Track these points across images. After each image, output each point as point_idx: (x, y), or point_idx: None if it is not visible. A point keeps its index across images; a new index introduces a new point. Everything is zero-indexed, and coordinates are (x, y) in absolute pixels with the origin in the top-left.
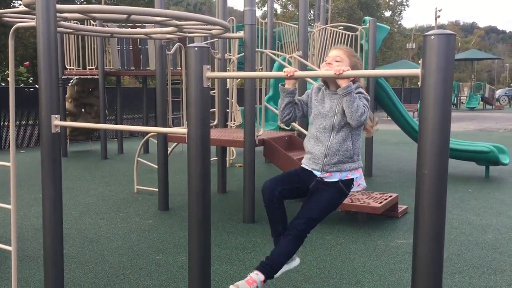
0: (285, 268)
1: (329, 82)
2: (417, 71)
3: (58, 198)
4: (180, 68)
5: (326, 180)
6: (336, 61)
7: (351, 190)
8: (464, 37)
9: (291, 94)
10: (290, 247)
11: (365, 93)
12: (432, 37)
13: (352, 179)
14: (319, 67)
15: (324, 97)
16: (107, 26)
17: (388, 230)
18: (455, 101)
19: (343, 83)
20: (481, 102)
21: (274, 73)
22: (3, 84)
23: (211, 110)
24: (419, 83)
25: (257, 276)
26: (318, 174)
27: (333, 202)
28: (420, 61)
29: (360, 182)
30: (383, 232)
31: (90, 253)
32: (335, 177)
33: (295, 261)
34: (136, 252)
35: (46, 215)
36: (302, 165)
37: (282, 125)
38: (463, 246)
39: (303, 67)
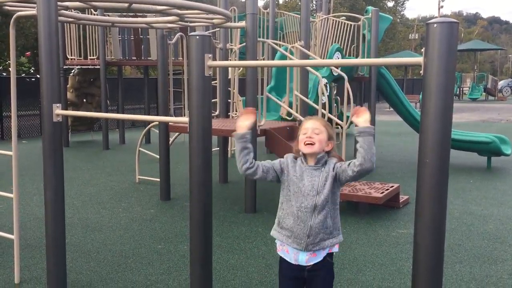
0: None
1: (308, 157)
2: (420, 59)
3: (60, 186)
4: (181, 58)
5: (314, 263)
6: (315, 134)
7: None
8: (467, 27)
9: (241, 139)
10: None
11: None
12: (435, 25)
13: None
14: (321, 57)
15: (303, 173)
16: (108, 15)
17: (389, 220)
18: (458, 92)
19: (364, 123)
20: (484, 93)
21: (275, 62)
22: (4, 74)
23: (212, 100)
24: (421, 72)
25: None
26: (304, 258)
27: (331, 281)
28: (422, 50)
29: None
30: (384, 222)
31: (92, 242)
32: (319, 256)
33: None
34: (138, 241)
35: (48, 203)
36: (280, 252)
37: (284, 115)
38: (464, 236)
39: (305, 57)
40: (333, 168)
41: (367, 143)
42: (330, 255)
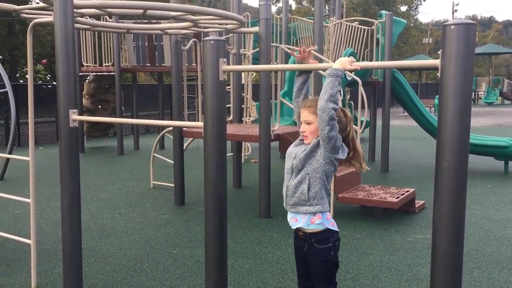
0: None
1: (304, 138)
2: (436, 61)
3: (76, 191)
4: (195, 64)
5: (300, 234)
6: (307, 124)
7: (332, 238)
8: (482, 31)
9: (304, 75)
10: None
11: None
12: (452, 26)
13: (329, 230)
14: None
15: (301, 143)
16: (122, 22)
17: (405, 225)
18: (473, 96)
19: (336, 66)
20: (499, 97)
21: (288, 66)
22: (21, 81)
23: (226, 105)
24: (438, 74)
25: None
26: (289, 219)
27: (327, 271)
28: (439, 52)
29: (330, 228)
30: (400, 227)
31: (108, 247)
32: (300, 222)
33: None
34: (152, 246)
35: (65, 208)
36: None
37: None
38: (482, 241)
39: (319, 62)
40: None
41: (326, 84)
42: (318, 239)
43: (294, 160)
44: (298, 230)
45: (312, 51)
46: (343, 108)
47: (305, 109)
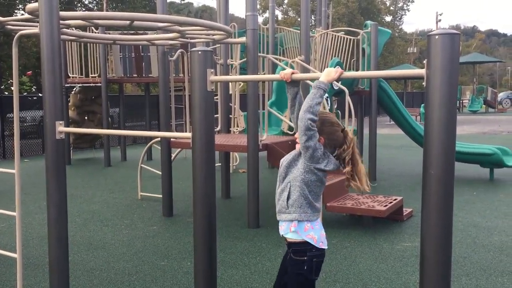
0: None
1: (298, 144)
2: (422, 71)
3: (63, 203)
4: (182, 75)
5: (286, 241)
6: None
7: (309, 253)
8: (465, 41)
9: (295, 84)
10: None
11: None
12: (437, 36)
13: (307, 243)
14: (321, 72)
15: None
16: (109, 33)
17: (394, 233)
18: (458, 105)
19: (322, 78)
20: (484, 105)
21: (274, 76)
22: (6, 93)
23: (214, 116)
24: (423, 83)
25: None
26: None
27: (297, 280)
28: (424, 61)
29: (312, 238)
30: (389, 235)
31: (95, 260)
32: (283, 229)
33: None
34: (141, 258)
35: (51, 220)
36: None
37: (285, 130)
38: (470, 248)
39: (306, 72)
40: None
41: (309, 95)
42: (295, 250)
43: (280, 168)
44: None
45: (299, 61)
46: (345, 129)
47: None
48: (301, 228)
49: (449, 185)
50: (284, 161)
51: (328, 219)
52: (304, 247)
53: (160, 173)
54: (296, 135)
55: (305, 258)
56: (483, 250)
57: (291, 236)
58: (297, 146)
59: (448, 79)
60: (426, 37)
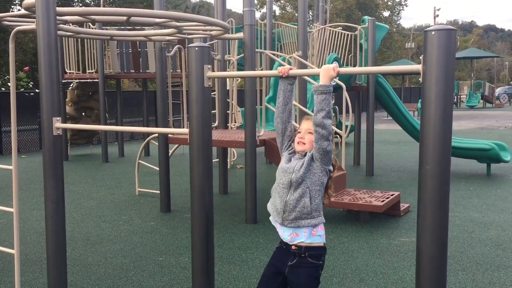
0: None
1: (297, 151)
2: (418, 67)
3: (60, 199)
4: (179, 71)
5: (294, 247)
6: (309, 133)
7: (323, 256)
8: (463, 36)
9: (290, 80)
10: None
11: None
12: (433, 32)
13: (322, 248)
14: (318, 67)
15: (292, 157)
16: (106, 29)
17: (391, 228)
18: (455, 100)
19: (324, 80)
20: (481, 101)
21: (272, 72)
22: (3, 89)
23: (211, 111)
24: (420, 79)
25: None
26: (287, 235)
27: (312, 281)
28: (421, 57)
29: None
30: (386, 230)
31: (93, 256)
32: (301, 237)
33: None
34: (138, 254)
35: (49, 217)
36: (270, 219)
37: None
38: (466, 243)
39: (303, 67)
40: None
41: (318, 100)
42: (312, 254)
43: (293, 175)
44: (286, 244)
45: (296, 57)
46: None
47: (310, 121)
48: (323, 231)
49: (445, 180)
50: (294, 167)
51: (325, 215)
52: (320, 251)
53: (158, 169)
54: (301, 135)
55: (321, 262)
56: (479, 245)
57: (313, 241)
58: (303, 146)
59: (445, 74)
60: (423, 33)
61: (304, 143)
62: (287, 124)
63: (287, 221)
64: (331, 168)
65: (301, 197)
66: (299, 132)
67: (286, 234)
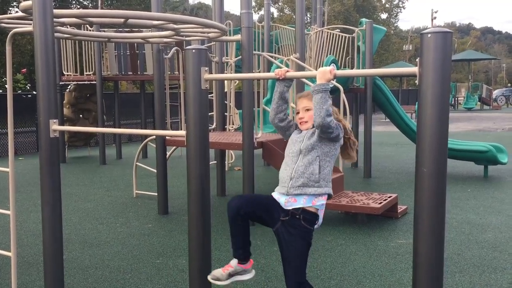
0: (237, 278)
1: (301, 127)
2: (415, 69)
3: (57, 201)
4: (177, 72)
5: (289, 209)
6: (306, 111)
7: (316, 225)
8: (461, 38)
9: (287, 83)
10: None
11: (338, 121)
12: (429, 35)
13: (316, 215)
14: (316, 69)
15: (300, 131)
16: (104, 31)
17: (388, 230)
18: (453, 102)
19: (320, 81)
20: (479, 103)
21: (270, 74)
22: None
23: (209, 114)
24: (416, 81)
25: None
26: (283, 200)
27: (302, 249)
28: (417, 60)
29: (319, 218)
30: (383, 232)
31: (90, 258)
32: (299, 203)
33: (250, 274)
34: (136, 256)
35: (46, 220)
36: (272, 194)
37: None
38: (463, 245)
39: (301, 69)
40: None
41: (317, 100)
42: (306, 218)
43: (302, 143)
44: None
45: (294, 59)
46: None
47: (304, 99)
48: (324, 201)
49: (442, 182)
50: (304, 136)
51: (323, 217)
52: (314, 218)
53: (156, 171)
54: (300, 115)
55: (313, 228)
56: (476, 247)
57: (310, 205)
58: (306, 124)
59: (441, 77)
60: (419, 35)
61: (306, 121)
62: (285, 120)
63: (293, 188)
64: (341, 141)
65: (310, 163)
66: (298, 113)
67: (282, 199)
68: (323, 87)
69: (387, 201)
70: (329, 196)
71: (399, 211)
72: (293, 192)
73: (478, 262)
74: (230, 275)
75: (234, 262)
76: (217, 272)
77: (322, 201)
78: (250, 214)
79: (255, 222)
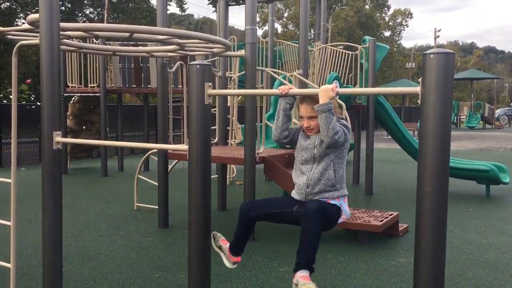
0: (222, 255)
1: (307, 132)
2: (417, 89)
3: (58, 213)
4: (181, 86)
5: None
6: (310, 119)
7: (339, 215)
8: (463, 57)
9: (289, 100)
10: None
11: (345, 121)
12: (432, 55)
13: (339, 208)
14: (319, 86)
15: (307, 135)
16: (109, 44)
17: (389, 248)
18: (455, 120)
19: (323, 100)
20: (481, 122)
21: (273, 91)
22: (4, 101)
23: (212, 127)
24: (419, 101)
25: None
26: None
27: (323, 211)
28: (419, 79)
29: (344, 209)
30: (384, 250)
31: (89, 271)
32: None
33: (230, 264)
34: (135, 270)
35: (46, 231)
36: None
37: None
38: (464, 265)
39: (304, 86)
40: None
41: (323, 120)
42: (329, 205)
43: (315, 150)
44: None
45: (297, 75)
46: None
47: (307, 106)
48: (345, 203)
49: (443, 201)
50: (315, 142)
51: (323, 233)
52: (337, 209)
53: (157, 184)
54: (306, 124)
55: (335, 215)
56: (478, 267)
57: (333, 199)
58: (313, 131)
59: (443, 97)
60: (422, 55)
61: (312, 129)
62: (289, 136)
63: (311, 195)
64: (349, 140)
65: (325, 170)
66: (302, 119)
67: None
68: (326, 106)
69: (388, 219)
70: (345, 196)
71: (400, 229)
72: (312, 199)
73: (479, 282)
74: (220, 248)
75: (226, 246)
76: (219, 236)
77: (338, 202)
78: (265, 215)
79: (271, 222)
